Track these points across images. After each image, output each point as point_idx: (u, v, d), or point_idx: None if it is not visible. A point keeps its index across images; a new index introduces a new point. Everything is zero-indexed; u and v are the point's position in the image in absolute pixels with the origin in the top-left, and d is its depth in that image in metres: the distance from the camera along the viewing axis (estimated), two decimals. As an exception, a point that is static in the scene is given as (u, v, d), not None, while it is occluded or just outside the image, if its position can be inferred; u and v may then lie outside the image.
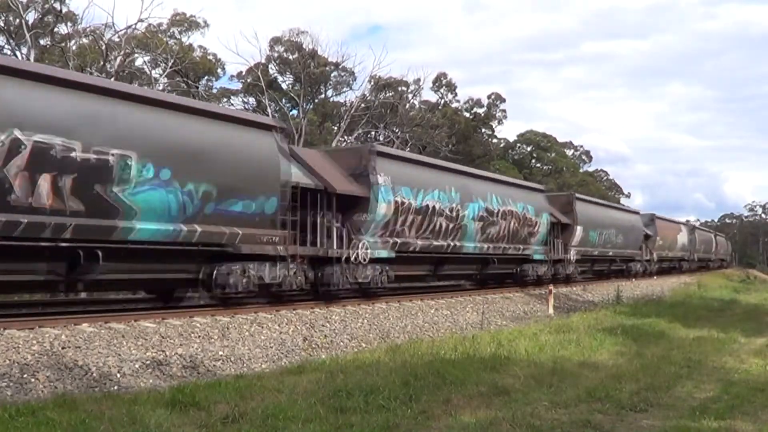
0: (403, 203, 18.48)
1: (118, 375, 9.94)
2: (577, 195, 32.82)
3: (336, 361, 10.89)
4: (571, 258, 30.23)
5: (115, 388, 9.49)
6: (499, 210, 23.52)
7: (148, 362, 10.53)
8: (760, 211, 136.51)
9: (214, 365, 11.19)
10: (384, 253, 18.06)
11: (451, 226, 20.83)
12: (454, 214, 20.96)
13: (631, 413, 7.92)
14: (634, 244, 39.72)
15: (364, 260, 17.24)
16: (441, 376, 9.22)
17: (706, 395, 9.04)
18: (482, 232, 22.63)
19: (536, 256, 26.80)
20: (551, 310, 22.13)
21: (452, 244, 21.08)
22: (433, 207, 19.91)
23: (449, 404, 8.02)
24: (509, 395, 8.60)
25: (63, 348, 10.23)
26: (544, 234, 27.07)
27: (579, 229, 30.80)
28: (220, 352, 11.70)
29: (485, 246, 22.95)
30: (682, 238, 52.56)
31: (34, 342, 10.24)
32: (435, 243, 20.27)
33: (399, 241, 18.67)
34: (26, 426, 6.59)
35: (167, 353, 11.03)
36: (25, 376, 9.19)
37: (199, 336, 12.12)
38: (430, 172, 20.71)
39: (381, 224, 17.84)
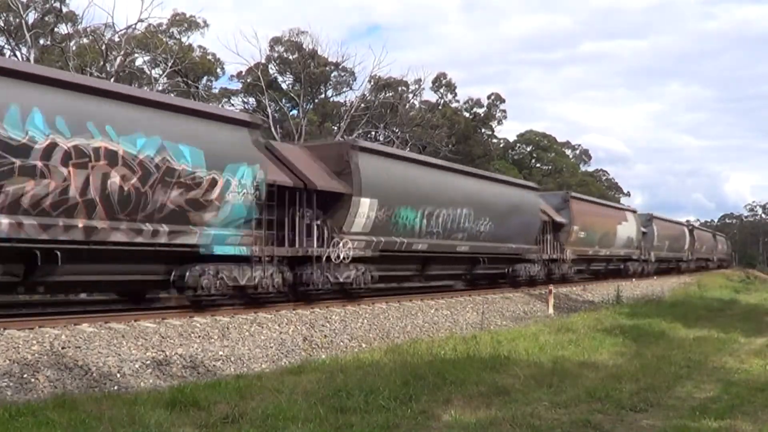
0: None
1: (118, 375, 9.94)
2: (363, 144, 18.92)
3: (336, 361, 10.90)
4: (342, 254, 16.66)
5: (115, 388, 9.49)
6: (52, 145, 11.05)
7: (148, 362, 10.53)
8: (760, 211, 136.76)
9: (214, 365, 11.19)
10: None
11: None
12: None
13: (631, 413, 7.92)
14: (523, 235, 25.60)
15: None
16: (441, 376, 9.22)
17: (706, 395, 9.04)
18: None
19: (220, 250, 13.91)
20: (551, 310, 22.13)
21: None
22: None
23: (449, 404, 8.02)
24: (509, 395, 8.60)
25: (63, 348, 10.24)
26: (243, 209, 14.23)
27: (366, 204, 17.12)
28: (220, 352, 11.70)
29: (5, 223, 10.60)
30: (627, 230, 37.78)
31: (34, 342, 10.24)
32: None
33: None
34: (26, 426, 6.59)
35: (167, 353, 11.03)
36: (25, 376, 9.19)
37: (199, 336, 12.12)
38: None
39: None
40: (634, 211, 42.08)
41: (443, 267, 22.37)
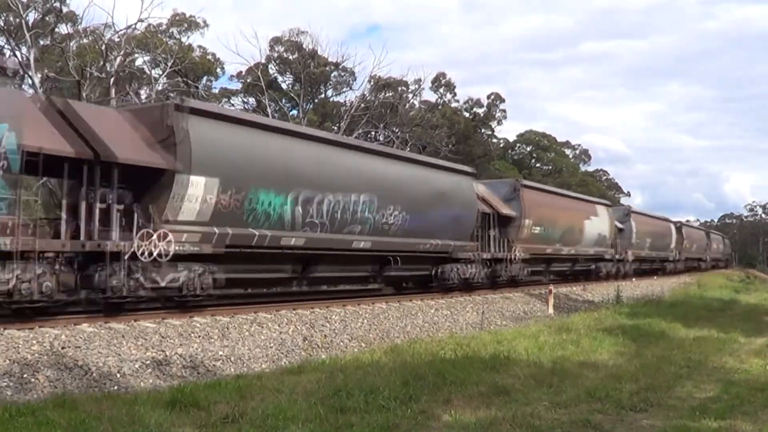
0: None
1: (118, 375, 9.94)
2: (196, 105, 14.01)
3: (336, 361, 10.90)
4: (159, 250, 12.35)
5: (115, 388, 9.49)
6: None
7: (148, 362, 10.53)
8: (760, 211, 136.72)
9: (214, 365, 11.19)
10: None
11: None
12: None
13: (631, 413, 7.93)
14: (453, 229, 20.98)
15: None
16: (441, 376, 9.23)
17: (706, 395, 9.04)
18: None
19: None
20: (551, 310, 22.14)
21: None
22: None
23: (449, 404, 8.02)
24: (509, 395, 8.60)
25: (63, 348, 10.23)
26: None
27: (200, 185, 13.05)
28: (220, 352, 11.70)
29: None
30: (597, 225, 32.79)
31: (34, 342, 10.24)
32: None
33: None
34: (26, 426, 6.59)
35: (167, 353, 11.03)
36: (25, 375, 9.19)
37: (199, 336, 12.11)
38: None
39: None
40: (607, 205, 36.60)
41: (335, 268, 17.58)
